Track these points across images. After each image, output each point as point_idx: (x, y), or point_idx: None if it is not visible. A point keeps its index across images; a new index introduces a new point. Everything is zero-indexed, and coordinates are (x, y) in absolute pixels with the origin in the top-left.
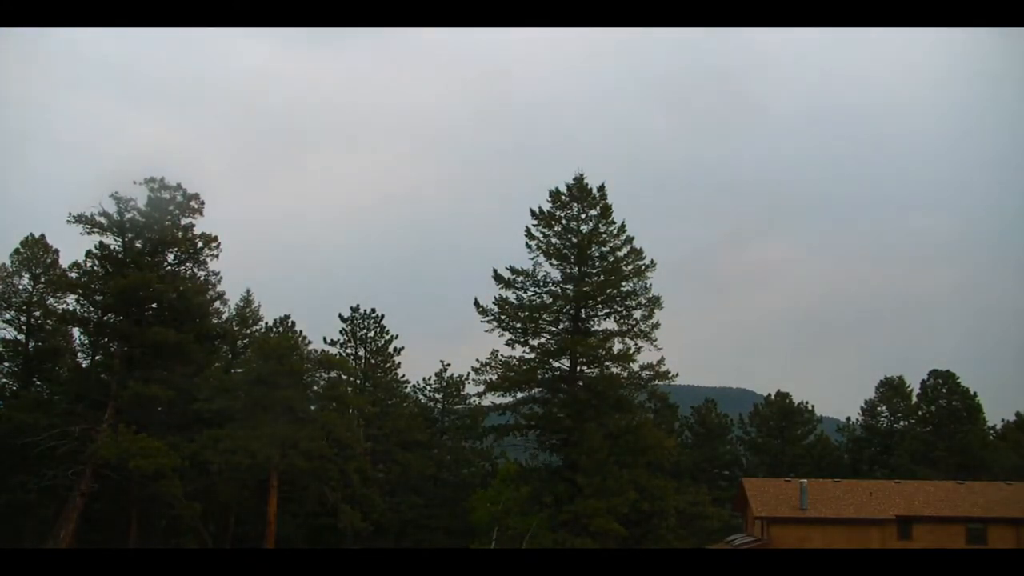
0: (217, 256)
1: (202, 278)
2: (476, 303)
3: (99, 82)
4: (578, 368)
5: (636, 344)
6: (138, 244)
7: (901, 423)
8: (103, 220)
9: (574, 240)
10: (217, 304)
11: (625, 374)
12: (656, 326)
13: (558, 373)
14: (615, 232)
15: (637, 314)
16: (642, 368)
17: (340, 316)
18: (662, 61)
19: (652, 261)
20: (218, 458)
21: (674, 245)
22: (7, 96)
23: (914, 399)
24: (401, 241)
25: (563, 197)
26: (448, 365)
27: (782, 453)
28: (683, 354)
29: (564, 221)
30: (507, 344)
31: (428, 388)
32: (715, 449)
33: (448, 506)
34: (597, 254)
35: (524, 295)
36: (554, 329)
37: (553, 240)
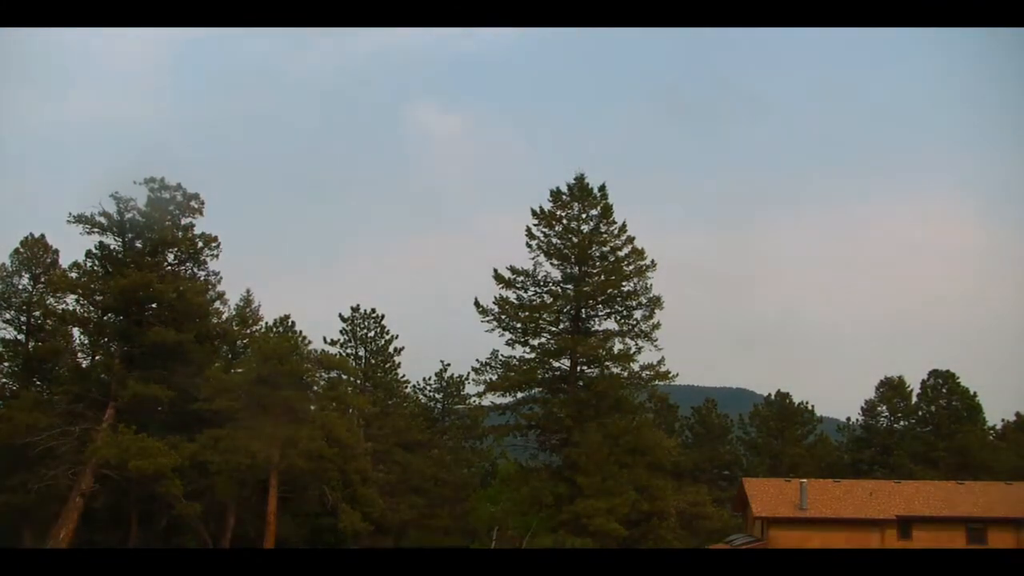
0: (217, 256)
1: (202, 278)
2: (476, 303)
3: (99, 81)
4: (578, 368)
5: (636, 344)
6: (138, 244)
7: (901, 423)
8: (103, 220)
9: (575, 240)
10: (217, 304)
11: (625, 374)
12: (656, 326)
13: (558, 373)
14: (616, 232)
15: (637, 314)
16: (642, 368)
17: (340, 316)
18: (662, 61)
19: (652, 261)
20: (218, 458)
21: (674, 245)
22: (7, 96)
23: (914, 399)
24: (401, 240)
25: (564, 197)
26: (448, 365)
27: (782, 453)
28: (683, 354)
29: (565, 221)
30: (507, 344)
31: (428, 388)
32: (715, 449)
33: (448, 506)
34: (598, 254)
35: (524, 295)
36: (554, 329)
37: (554, 240)
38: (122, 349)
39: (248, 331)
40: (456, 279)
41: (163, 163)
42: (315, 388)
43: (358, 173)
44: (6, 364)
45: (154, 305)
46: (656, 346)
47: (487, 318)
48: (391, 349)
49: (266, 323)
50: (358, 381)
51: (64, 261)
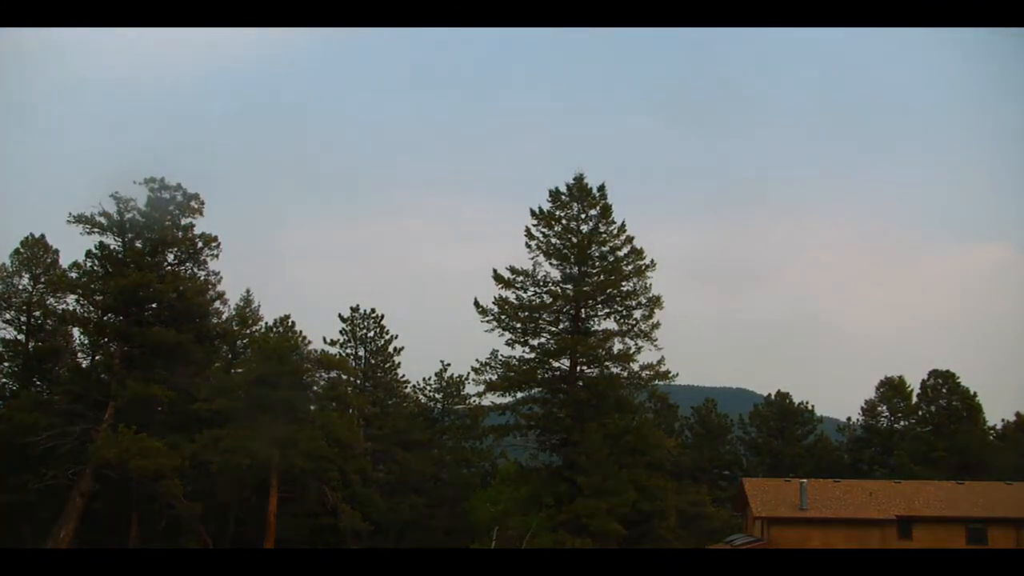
0: (217, 256)
1: (202, 278)
2: (476, 303)
3: (100, 82)
4: (578, 368)
5: (636, 344)
6: (138, 244)
7: (901, 423)
8: (103, 220)
9: (574, 240)
10: (217, 304)
11: (625, 374)
12: (656, 326)
13: (558, 373)
14: (615, 232)
15: (637, 314)
16: (642, 368)
17: (340, 316)
18: (663, 61)
19: (652, 261)
20: (218, 458)
21: (674, 245)
22: (7, 96)
23: (914, 399)
24: (401, 240)
25: (563, 197)
26: (448, 365)
27: (782, 453)
28: (683, 354)
29: (564, 221)
30: (507, 344)
31: (428, 388)
32: (715, 449)
33: (448, 506)
34: (597, 254)
35: (524, 295)
36: (554, 329)
37: (553, 240)
38: (122, 349)
39: (248, 331)
40: (456, 279)
41: (163, 163)
42: (315, 388)
43: (358, 173)
44: (6, 364)
45: (154, 305)
46: (656, 346)
47: (487, 318)
48: (391, 349)
49: (266, 323)
50: (358, 381)
51: (64, 261)
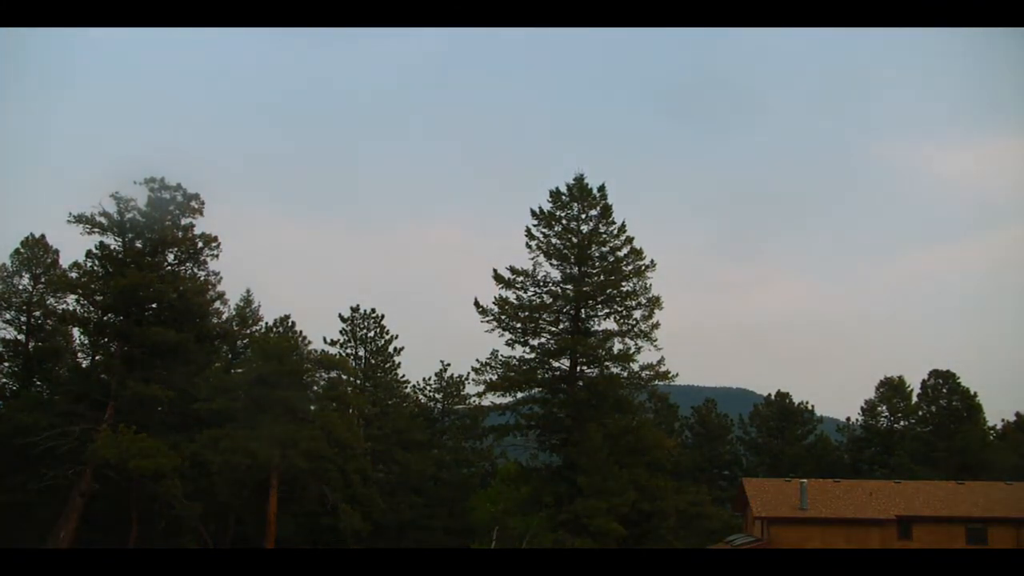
0: (217, 256)
1: (202, 278)
2: (476, 303)
3: (99, 82)
4: (578, 368)
5: (636, 344)
6: (138, 244)
7: (901, 423)
8: (103, 220)
9: (574, 240)
10: (217, 304)
11: (625, 374)
12: (656, 326)
13: (558, 373)
14: (615, 232)
15: (637, 314)
16: (642, 368)
17: (340, 316)
18: (662, 61)
19: (652, 261)
20: (218, 458)
21: (675, 245)
22: (7, 96)
23: (914, 399)
24: (402, 241)
25: (563, 197)
26: (448, 365)
27: (782, 453)
28: (683, 354)
29: (564, 221)
30: (507, 344)
31: (428, 388)
32: (715, 449)
33: (448, 506)
34: (597, 254)
35: (524, 295)
36: (554, 329)
37: (553, 240)
38: (122, 349)
39: (248, 331)
40: (457, 279)
41: (163, 163)
42: (315, 388)
43: (359, 172)
44: (6, 364)
45: (154, 305)
46: (656, 346)
47: (487, 318)
48: (391, 349)
49: (266, 323)
50: (358, 381)
51: (64, 261)
